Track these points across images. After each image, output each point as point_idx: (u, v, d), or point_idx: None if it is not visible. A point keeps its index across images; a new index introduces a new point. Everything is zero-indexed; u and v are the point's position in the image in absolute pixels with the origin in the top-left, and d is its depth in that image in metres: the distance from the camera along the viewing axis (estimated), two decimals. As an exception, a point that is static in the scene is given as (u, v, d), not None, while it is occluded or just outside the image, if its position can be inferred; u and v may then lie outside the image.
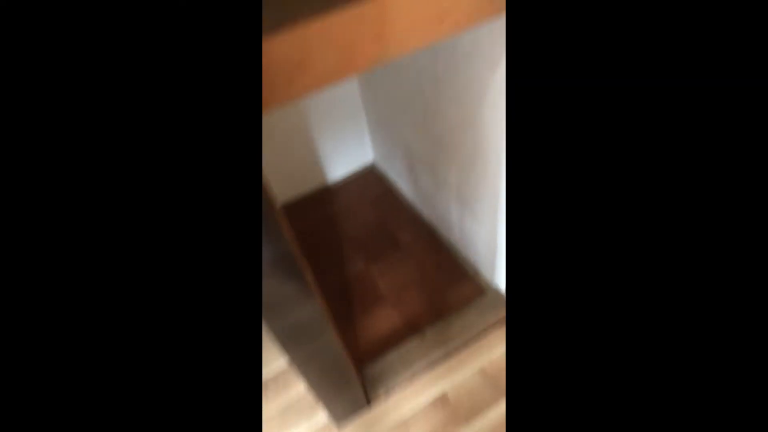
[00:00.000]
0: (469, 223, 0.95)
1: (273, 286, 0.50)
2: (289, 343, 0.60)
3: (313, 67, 0.39)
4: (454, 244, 1.10)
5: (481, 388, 0.87)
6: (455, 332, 0.93)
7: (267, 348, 1.01)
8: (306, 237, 1.22)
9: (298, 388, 0.93)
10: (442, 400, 0.87)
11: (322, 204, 1.31)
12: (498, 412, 0.84)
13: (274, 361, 0.98)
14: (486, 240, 0.92)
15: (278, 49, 0.37)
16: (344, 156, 1.33)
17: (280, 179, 1.28)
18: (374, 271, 1.10)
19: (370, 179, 1.35)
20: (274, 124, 1.15)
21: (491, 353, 0.92)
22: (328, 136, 1.25)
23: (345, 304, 1.05)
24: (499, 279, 0.96)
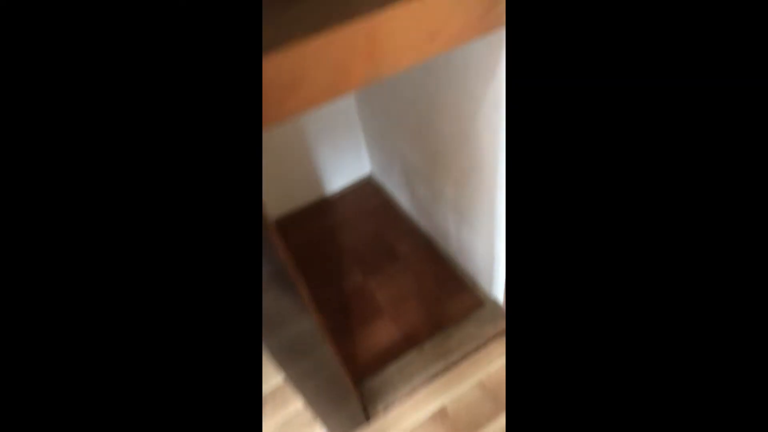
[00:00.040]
0: (467, 234, 0.95)
1: (267, 302, 0.50)
2: (285, 359, 0.59)
3: (305, 87, 0.39)
4: (452, 255, 1.10)
5: (481, 402, 0.86)
6: (454, 345, 0.92)
7: (263, 365, 1.00)
8: (304, 249, 1.22)
9: (296, 404, 0.92)
10: (441, 415, 0.86)
11: (319, 216, 1.31)
12: (497, 426, 0.83)
13: (271, 378, 0.97)
14: (484, 252, 0.92)
15: (271, 69, 0.37)
16: (341, 168, 1.33)
17: (278, 191, 1.28)
18: (372, 284, 1.10)
19: (367, 191, 1.36)
20: (270, 135, 1.15)
21: (490, 366, 0.91)
22: (325, 148, 1.26)
23: (343, 318, 1.04)
24: (497, 291, 0.96)
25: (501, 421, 0.83)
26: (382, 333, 0.99)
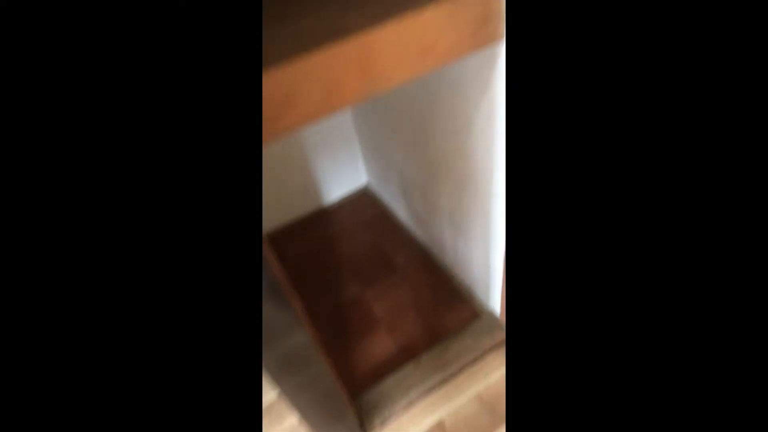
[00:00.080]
0: (463, 246, 0.95)
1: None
2: (280, 374, 0.59)
3: (300, 104, 0.40)
4: (449, 266, 1.09)
5: (478, 415, 0.86)
6: (451, 357, 0.92)
7: (260, 376, 0.99)
8: (300, 260, 1.22)
9: (291, 420, 0.91)
10: (439, 428, 0.85)
11: (316, 227, 1.31)
12: (496, 440, 0.82)
13: (265, 393, 0.96)
14: (480, 263, 0.92)
15: (265, 87, 0.38)
16: (338, 179, 1.34)
17: (274, 203, 1.29)
18: (369, 295, 1.09)
19: (364, 201, 1.36)
20: (267, 146, 1.16)
21: (487, 378, 0.90)
22: (322, 160, 1.26)
23: (340, 330, 1.03)
24: (493, 302, 0.96)
25: (499, 435, 0.83)
26: (379, 345, 0.99)
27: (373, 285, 1.11)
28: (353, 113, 1.20)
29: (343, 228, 1.29)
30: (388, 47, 0.42)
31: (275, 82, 0.38)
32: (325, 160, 1.27)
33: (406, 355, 0.95)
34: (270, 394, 0.96)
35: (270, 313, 0.50)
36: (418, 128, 0.86)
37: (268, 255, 0.44)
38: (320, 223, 1.32)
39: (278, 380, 0.59)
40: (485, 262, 0.89)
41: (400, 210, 1.24)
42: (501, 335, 0.93)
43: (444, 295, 1.05)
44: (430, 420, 0.86)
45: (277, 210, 1.31)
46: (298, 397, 0.65)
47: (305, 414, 0.69)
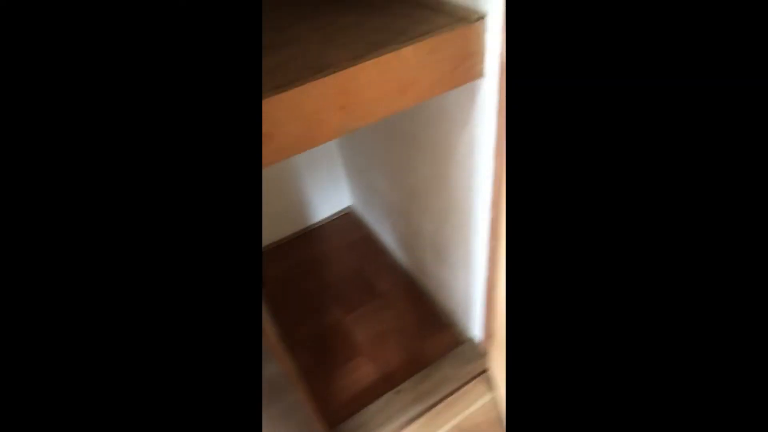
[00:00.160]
0: (445, 272, 0.95)
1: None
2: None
3: (278, 139, 0.40)
4: (431, 292, 1.09)
5: (458, 447, 0.84)
6: (432, 387, 0.91)
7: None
8: (282, 283, 1.20)
9: (266, 450, 0.88)
10: (418, 461, 0.83)
11: (299, 249, 1.30)
12: (475, 473, 0.81)
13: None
14: (461, 290, 0.92)
15: (243, 121, 0.38)
16: (322, 200, 1.34)
17: (257, 225, 1.27)
18: (350, 321, 1.08)
19: (347, 224, 1.36)
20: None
21: (467, 409, 0.89)
22: (306, 181, 1.26)
23: (320, 356, 1.01)
24: (474, 329, 0.95)
25: (478, 468, 0.81)
26: (359, 372, 0.97)
27: (355, 310, 1.10)
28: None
29: (326, 250, 1.28)
30: (369, 84, 0.43)
31: (253, 117, 0.38)
32: (309, 181, 1.27)
33: (386, 383, 0.93)
34: (244, 423, 0.92)
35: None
36: (401, 155, 0.87)
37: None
38: (302, 245, 1.31)
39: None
40: (466, 289, 0.89)
41: (383, 233, 1.24)
42: (482, 364, 0.93)
43: (426, 322, 1.04)
44: (409, 452, 0.84)
45: (259, 231, 1.29)
46: (273, 429, 0.63)
47: (279, 448, 0.67)
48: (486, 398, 0.90)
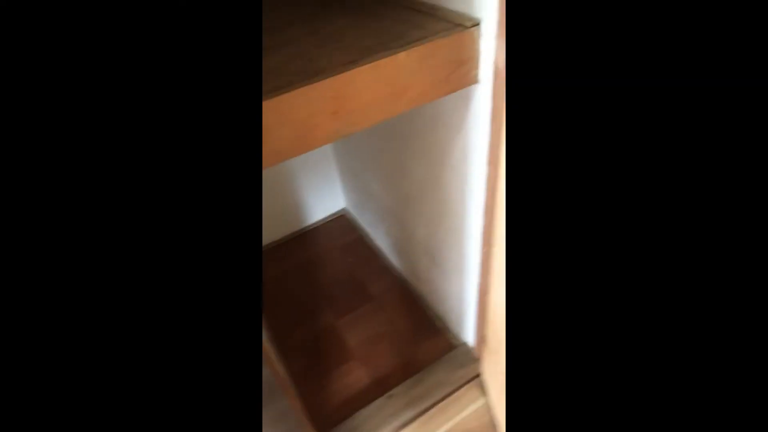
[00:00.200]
0: (438, 276, 0.95)
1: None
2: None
3: (270, 143, 0.39)
4: (424, 296, 1.09)
5: (450, 452, 0.84)
6: (424, 392, 0.90)
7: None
8: (273, 286, 1.19)
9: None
10: (410, 466, 0.83)
11: (292, 251, 1.29)
12: (467, 478, 0.80)
13: None
14: (454, 295, 0.91)
15: (234, 125, 0.37)
16: (316, 202, 1.33)
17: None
18: (343, 325, 1.07)
19: (341, 225, 1.35)
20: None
21: (459, 414, 0.89)
22: (300, 182, 1.26)
23: (312, 360, 1.01)
24: (467, 334, 0.95)
25: (470, 473, 0.81)
26: (351, 377, 0.96)
27: (348, 314, 1.09)
28: (333, 139, 1.20)
29: (319, 253, 1.28)
30: (363, 89, 0.42)
31: (245, 121, 0.38)
32: (304, 182, 1.26)
33: (378, 387, 0.93)
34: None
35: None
36: (395, 159, 0.86)
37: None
38: (296, 247, 1.30)
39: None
40: (459, 294, 0.88)
41: (376, 236, 1.23)
42: (475, 369, 0.93)
43: (418, 326, 1.04)
44: (401, 457, 0.84)
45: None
46: (261, 436, 0.62)
47: (269, 454, 0.66)
48: (479, 403, 0.89)
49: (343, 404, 0.91)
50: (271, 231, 1.31)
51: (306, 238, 1.33)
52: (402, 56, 0.43)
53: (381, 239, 1.20)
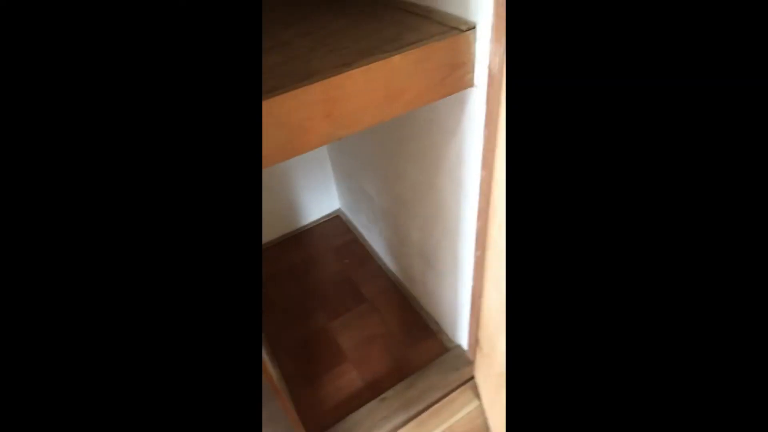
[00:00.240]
0: (432, 279, 0.95)
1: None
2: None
3: (264, 145, 0.39)
4: (418, 298, 1.09)
5: (443, 455, 0.83)
6: (417, 394, 0.90)
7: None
8: (269, 287, 1.19)
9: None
10: (402, 470, 0.82)
11: (286, 252, 1.28)
12: (459, 482, 0.80)
13: None
14: (448, 298, 0.91)
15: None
16: (310, 203, 1.33)
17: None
18: (336, 326, 1.07)
19: (336, 227, 1.35)
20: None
21: (453, 418, 0.89)
22: (294, 183, 1.25)
23: (304, 362, 1.00)
24: (461, 337, 0.95)
25: (463, 477, 0.80)
26: (345, 380, 0.96)
27: (341, 316, 1.09)
28: (328, 140, 1.20)
29: (313, 254, 1.27)
30: (356, 92, 0.42)
31: (237, 123, 0.37)
32: (299, 182, 1.26)
33: (371, 390, 0.92)
34: None
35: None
36: (389, 162, 0.86)
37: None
38: (290, 248, 1.30)
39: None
40: (453, 297, 0.88)
41: (371, 238, 1.23)
42: (469, 371, 0.93)
43: (412, 329, 1.04)
44: (394, 460, 0.84)
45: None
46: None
47: (260, 458, 0.65)
48: (472, 406, 0.89)
49: (335, 407, 0.91)
50: (266, 231, 1.30)
51: (300, 238, 1.32)
52: (397, 59, 0.43)
53: (375, 241, 1.20)
